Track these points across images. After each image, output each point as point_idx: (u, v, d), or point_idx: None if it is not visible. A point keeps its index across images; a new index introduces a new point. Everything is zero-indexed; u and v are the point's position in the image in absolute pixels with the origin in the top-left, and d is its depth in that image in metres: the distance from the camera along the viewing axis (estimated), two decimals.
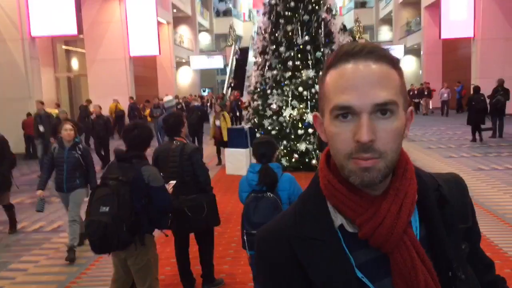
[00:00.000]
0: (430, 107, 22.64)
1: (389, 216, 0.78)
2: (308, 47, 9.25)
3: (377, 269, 0.81)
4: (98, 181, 3.51)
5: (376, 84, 0.76)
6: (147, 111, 13.12)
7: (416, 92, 22.92)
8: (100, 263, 4.83)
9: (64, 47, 24.11)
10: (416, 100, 22.57)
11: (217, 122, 10.15)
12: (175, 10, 28.55)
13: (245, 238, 3.10)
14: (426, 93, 22.49)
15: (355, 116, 0.76)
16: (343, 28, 9.89)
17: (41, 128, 10.13)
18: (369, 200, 0.80)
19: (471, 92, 12.86)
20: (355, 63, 0.77)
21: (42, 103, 10.86)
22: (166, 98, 10.48)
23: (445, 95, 20.69)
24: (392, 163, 0.79)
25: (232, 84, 23.93)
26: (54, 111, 13.59)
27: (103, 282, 4.32)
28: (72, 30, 13.72)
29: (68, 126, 4.93)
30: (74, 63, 25.21)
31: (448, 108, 20.60)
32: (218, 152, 10.61)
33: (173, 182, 3.57)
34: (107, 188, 2.92)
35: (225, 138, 9.80)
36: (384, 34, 36.06)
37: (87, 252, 5.15)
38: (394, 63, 0.80)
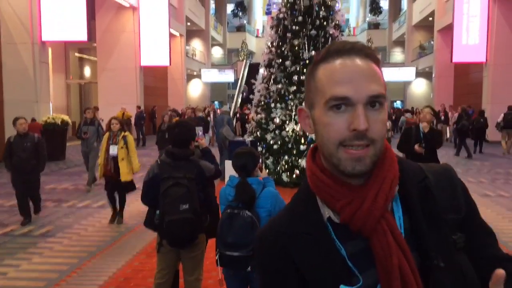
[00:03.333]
0: (448, 135, 18.57)
1: (367, 200, 0.82)
2: None
3: (365, 260, 0.83)
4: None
5: (369, 78, 0.82)
6: None
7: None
8: (81, 271, 4.68)
9: (77, 54, 24.42)
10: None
11: (112, 150, 6.06)
12: (189, 23, 28.83)
13: (217, 258, 2.81)
14: (442, 118, 17.91)
15: (349, 107, 0.81)
16: None
17: None
18: (349, 187, 0.84)
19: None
20: (348, 58, 0.83)
21: None
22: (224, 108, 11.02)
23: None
24: (380, 151, 0.83)
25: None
26: (61, 117, 13.55)
27: None
28: (83, 36, 13.82)
29: None
30: (87, 71, 25.51)
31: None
32: (113, 202, 6.30)
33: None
34: (181, 187, 3.02)
35: (126, 177, 6.00)
36: (396, 56, 36.00)
37: (70, 259, 5.03)
38: (378, 62, 0.86)
